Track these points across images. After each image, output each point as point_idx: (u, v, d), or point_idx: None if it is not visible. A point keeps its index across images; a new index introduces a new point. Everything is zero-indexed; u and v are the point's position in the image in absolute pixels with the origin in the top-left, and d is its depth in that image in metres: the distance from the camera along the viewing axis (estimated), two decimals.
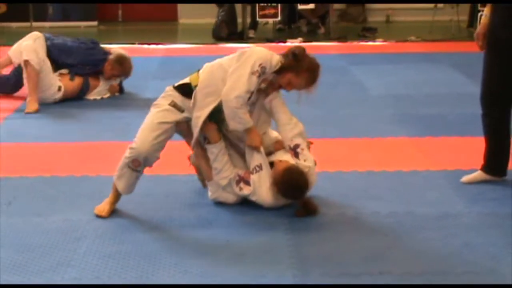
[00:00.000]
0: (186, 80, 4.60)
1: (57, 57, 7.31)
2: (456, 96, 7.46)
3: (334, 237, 4.22)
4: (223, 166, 4.55)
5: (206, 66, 4.61)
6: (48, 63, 7.20)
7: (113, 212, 4.53)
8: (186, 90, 4.54)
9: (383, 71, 8.98)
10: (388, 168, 5.30)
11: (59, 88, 7.27)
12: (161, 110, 4.53)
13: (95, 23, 13.03)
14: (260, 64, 4.44)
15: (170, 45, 11.07)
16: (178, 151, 5.13)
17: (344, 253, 4.00)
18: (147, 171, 5.21)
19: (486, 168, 5.03)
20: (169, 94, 4.58)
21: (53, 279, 3.69)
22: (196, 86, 4.52)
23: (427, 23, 11.95)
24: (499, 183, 4.97)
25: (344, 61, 9.62)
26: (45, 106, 7.13)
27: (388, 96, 7.61)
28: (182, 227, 4.28)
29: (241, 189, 4.54)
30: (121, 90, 7.70)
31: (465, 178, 5.04)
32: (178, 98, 4.54)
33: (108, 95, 7.59)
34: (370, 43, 11.25)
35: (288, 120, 4.60)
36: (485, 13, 4.90)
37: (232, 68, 4.46)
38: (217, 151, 4.54)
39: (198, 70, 4.61)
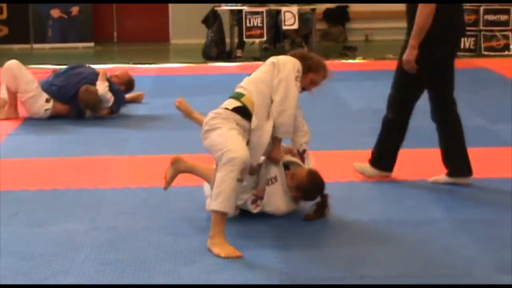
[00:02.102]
0: (237, 103, 4.33)
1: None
2: None
3: (319, 243, 4.22)
4: (245, 188, 4.40)
5: (249, 84, 4.41)
6: (36, 81, 7.17)
7: (109, 223, 4.51)
8: (245, 113, 4.32)
9: (363, 87, 9.01)
10: (369, 179, 5.31)
11: (47, 100, 7.17)
12: (233, 128, 4.23)
13: (91, 44, 13.01)
14: (298, 69, 4.44)
15: (163, 65, 11.06)
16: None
17: (328, 258, 4.00)
18: (142, 183, 5.21)
19: (448, 173, 5.15)
20: (230, 117, 4.28)
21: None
22: (252, 108, 4.32)
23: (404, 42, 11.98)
24: (471, 192, 5.00)
25: None
26: (44, 122, 7.10)
27: (368, 110, 7.62)
28: (176, 235, 4.26)
29: (257, 206, 4.49)
30: (111, 112, 7.39)
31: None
32: (240, 121, 4.30)
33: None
34: (351, 61, 11.28)
35: (302, 127, 4.66)
36: None
37: (276, 80, 4.37)
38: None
39: (240, 93, 4.38)
